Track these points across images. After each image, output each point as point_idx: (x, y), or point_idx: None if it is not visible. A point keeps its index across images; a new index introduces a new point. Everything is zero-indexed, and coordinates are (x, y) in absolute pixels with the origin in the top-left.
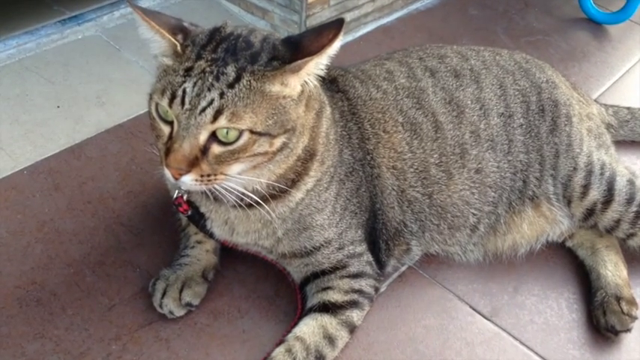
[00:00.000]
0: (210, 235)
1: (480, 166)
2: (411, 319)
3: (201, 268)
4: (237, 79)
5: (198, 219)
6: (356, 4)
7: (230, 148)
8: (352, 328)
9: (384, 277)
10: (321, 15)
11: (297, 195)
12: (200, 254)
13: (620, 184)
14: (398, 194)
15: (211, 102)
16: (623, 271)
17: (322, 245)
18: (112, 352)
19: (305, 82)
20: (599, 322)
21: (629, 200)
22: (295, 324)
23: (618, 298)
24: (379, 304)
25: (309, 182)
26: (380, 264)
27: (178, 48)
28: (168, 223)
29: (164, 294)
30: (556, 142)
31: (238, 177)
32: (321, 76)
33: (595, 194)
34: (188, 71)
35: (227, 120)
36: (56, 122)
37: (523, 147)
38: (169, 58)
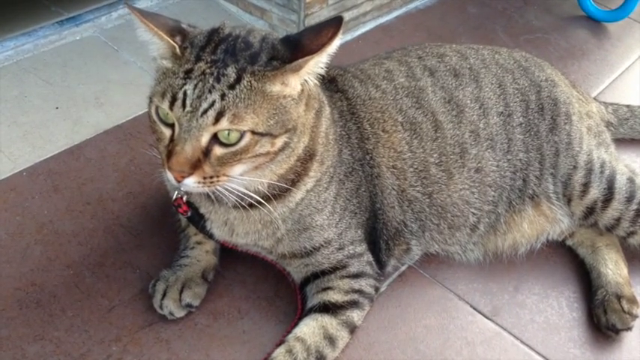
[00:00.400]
0: (210, 236)
1: (479, 165)
2: (412, 318)
3: (201, 268)
4: (238, 80)
5: (197, 220)
6: (354, 3)
7: (232, 149)
8: (353, 329)
9: (385, 277)
10: (320, 14)
11: (297, 195)
12: (200, 255)
13: (620, 182)
14: (398, 194)
15: (213, 104)
16: (624, 270)
17: (322, 245)
18: (112, 354)
19: (305, 81)
20: (600, 321)
21: (630, 198)
22: (295, 324)
23: (619, 297)
24: (379, 303)
25: (308, 182)
26: (380, 264)
27: (177, 50)
28: (167, 224)
29: (164, 295)
30: (556, 140)
31: (240, 178)
32: (320, 75)
33: (595, 192)
34: (188, 73)
35: (229, 121)
36: (55, 123)
37: (523, 146)
38: (168, 60)
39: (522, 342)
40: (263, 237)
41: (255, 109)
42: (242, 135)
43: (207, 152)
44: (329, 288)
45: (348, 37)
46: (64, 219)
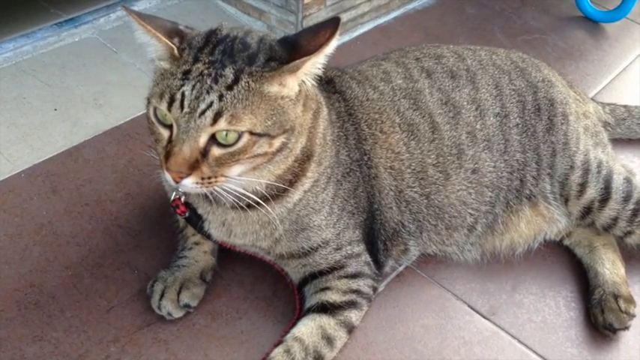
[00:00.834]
0: (208, 237)
1: (476, 166)
2: (409, 318)
3: (199, 269)
4: (236, 80)
5: (195, 220)
6: (352, 4)
7: (230, 150)
8: (351, 329)
9: (382, 277)
10: (318, 15)
11: (295, 196)
12: (198, 256)
13: (617, 182)
14: (395, 195)
15: (210, 104)
16: (621, 269)
17: (320, 246)
18: (110, 354)
19: (303, 81)
20: (597, 320)
21: (626, 198)
22: (293, 324)
23: (616, 296)
24: (377, 304)
25: (306, 183)
26: (378, 264)
27: (175, 51)
28: (165, 224)
29: (162, 295)
30: (553, 140)
31: (238, 178)
32: (318, 76)
33: (592, 192)
34: (186, 74)
35: (227, 122)
36: (53, 125)
37: (519, 146)
38: (166, 61)
39: (520, 341)
40: (261, 237)
41: (253, 109)
42: (240, 136)
43: (205, 153)
44: (327, 288)
45: (346, 38)
46: (62, 220)
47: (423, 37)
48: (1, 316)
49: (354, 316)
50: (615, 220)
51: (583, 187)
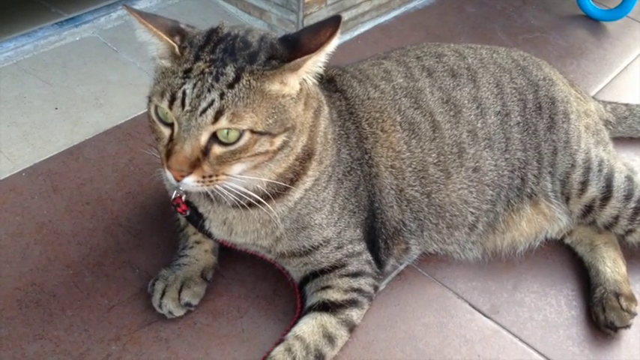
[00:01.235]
0: (209, 235)
1: (477, 164)
2: (411, 317)
3: (200, 268)
4: (237, 79)
5: (196, 219)
6: (353, 3)
7: (231, 148)
8: (352, 327)
9: (383, 276)
10: (319, 14)
11: (296, 194)
12: (199, 254)
13: (619, 180)
14: (396, 193)
15: (212, 103)
16: (622, 268)
17: (321, 244)
18: (111, 353)
19: (304, 80)
20: (599, 319)
21: (628, 196)
22: (295, 323)
23: (617, 295)
24: (378, 302)
25: (307, 182)
26: (379, 263)
27: (176, 50)
28: (166, 223)
29: (163, 294)
30: (554, 139)
31: (239, 177)
32: (319, 74)
33: (593, 191)
34: (187, 73)
35: (228, 120)
36: (54, 124)
37: (520, 145)
38: (167, 60)
39: (521, 340)
40: (262, 236)
41: (254, 108)
42: (241, 134)
43: (206, 151)
44: (328, 287)
45: (347, 37)
46: (63, 219)
47: (424, 36)
48: (2, 315)
49: (355, 314)
50: (616, 218)
51: (584, 185)
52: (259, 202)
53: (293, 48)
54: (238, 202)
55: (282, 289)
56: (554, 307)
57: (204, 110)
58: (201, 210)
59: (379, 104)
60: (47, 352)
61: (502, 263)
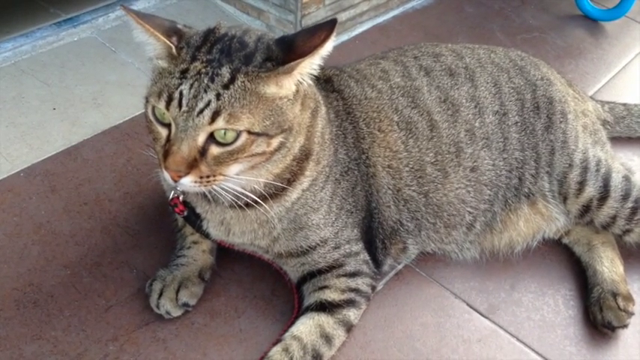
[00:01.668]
0: (207, 236)
1: (475, 164)
2: (408, 317)
3: (198, 268)
4: (232, 80)
5: (194, 219)
6: (351, 3)
7: (228, 148)
8: (349, 327)
9: (381, 276)
10: (317, 14)
11: (293, 194)
12: (196, 254)
13: (616, 180)
14: (394, 193)
15: (208, 103)
16: (620, 268)
17: (318, 244)
18: (109, 353)
19: (299, 81)
20: (596, 319)
21: (625, 196)
22: (292, 323)
23: (615, 295)
24: (376, 302)
25: (304, 182)
26: (377, 263)
27: (173, 50)
28: (164, 223)
29: (161, 294)
30: (551, 139)
31: (237, 177)
32: (315, 76)
33: (591, 191)
34: (184, 73)
35: (225, 121)
36: (52, 124)
37: (518, 144)
38: (164, 60)
39: (518, 340)
40: (259, 236)
41: (251, 109)
42: (238, 135)
43: (203, 152)
44: (325, 287)
45: (345, 36)
46: (61, 219)
47: (422, 36)
48: (0, 316)
49: (352, 314)
50: (614, 218)
51: (582, 185)
52: (256, 202)
53: (288, 50)
54: (236, 202)
55: (280, 289)
56: (552, 307)
57: (201, 111)
58: (198, 210)
59: (376, 104)
60: (45, 352)
61: (500, 263)
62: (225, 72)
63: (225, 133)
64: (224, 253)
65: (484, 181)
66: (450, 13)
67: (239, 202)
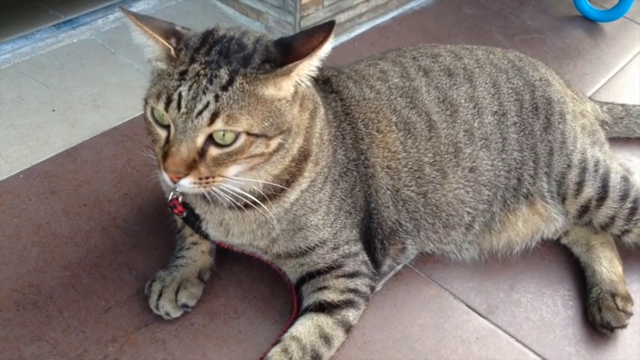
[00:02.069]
0: (206, 237)
1: (474, 164)
2: (407, 317)
3: (197, 269)
4: (230, 81)
5: (193, 220)
6: (350, 5)
7: (227, 150)
8: (348, 328)
9: (380, 277)
10: (316, 16)
11: (292, 195)
12: (196, 255)
13: (615, 180)
14: (392, 194)
15: (207, 105)
16: (618, 268)
17: (317, 245)
18: (108, 354)
19: (298, 83)
20: (595, 319)
21: (624, 197)
22: (291, 324)
23: (613, 295)
24: (375, 303)
25: (303, 183)
26: (375, 263)
27: (172, 52)
28: (163, 225)
29: (160, 295)
30: (550, 139)
31: (236, 178)
32: (313, 77)
33: (589, 191)
34: (183, 75)
35: (223, 122)
36: (52, 126)
37: (517, 145)
38: (163, 62)
39: (517, 340)
40: (258, 237)
41: (249, 110)
42: (237, 136)
43: (202, 153)
44: (324, 287)
45: (344, 38)
46: (60, 221)
47: (421, 37)
48: None
49: (351, 315)
50: (613, 218)
51: (580, 185)
52: (255, 203)
53: (286, 52)
54: (235, 203)
55: (279, 290)
56: (551, 308)
57: (200, 112)
58: (197, 211)
59: (375, 105)
60: (44, 353)
61: (498, 263)
62: (224, 74)
63: (224, 135)
64: (223, 254)
65: (483, 182)
66: (448, 14)
67: (238, 203)
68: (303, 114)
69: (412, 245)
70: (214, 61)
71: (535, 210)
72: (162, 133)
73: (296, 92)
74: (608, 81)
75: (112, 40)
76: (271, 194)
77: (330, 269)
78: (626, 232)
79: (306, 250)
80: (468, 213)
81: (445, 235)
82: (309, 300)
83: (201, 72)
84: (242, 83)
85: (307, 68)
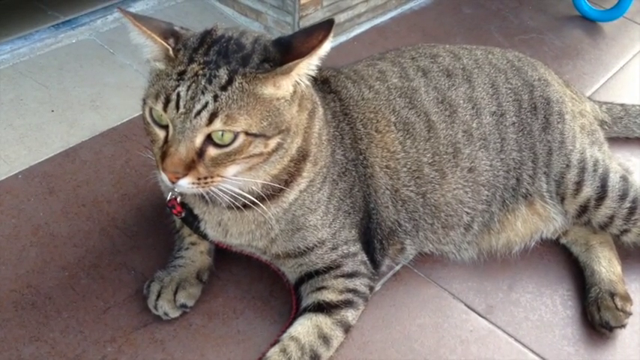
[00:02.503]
0: (204, 237)
1: (472, 164)
2: (406, 317)
3: (196, 269)
4: (229, 81)
5: (192, 221)
6: (349, 5)
7: (226, 150)
8: (347, 328)
9: (379, 277)
10: (315, 16)
11: (291, 195)
12: (194, 256)
13: (614, 180)
14: (391, 194)
15: (206, 105)
16: (617, 268)
17: (316, 245)
18: (107, 355)
19: (297, 82)
20: (594, 319)
21: (623, 196)
22: (290, 324)
23: (612, 295)
24: (374, 303)
25: (302, 183)
26: (374, 263)
27: (170, 52)
28: (162, 225)
29: (159, 296)
30: (549, 139)
31: (234, 178)
32: (312, 76)
33: (588, 191)
34: (181, 75)
35: (222, 122)
36: (51, 126)
37: (516, 145)
38: (162, 62)
39: (516, 340)
40: (257, 237)
41: (248, 110)
42: (236, 136)
43: (201, 153)
44: (323, 287)
45: (343, 38)
46: (59, 221)
47: (420, 37)
48: None
49: (350, 315)
50: (612, 218)
51: (579, 185)
52: (254, 203)
53: (286, 51)
54: (233, 203)
55: (278, 290)
56: (550, 307)
57: (199, 112)
58: (196, 211)
59: (373, 105)
60: (43, 354)
61: (497, 263)
62: (223, 73)
63: (222, 135)
64: (222, 255)
65: (482, 182)
66: (447, 14)
67: (237, 203)
68: (301, 114)
69: (411, 245)
70: (213, 61)
71: (534, 210)
72: (161, 134)
73: (295, 92)
74: (607, 81)
75: (111, 40)
76: (270, 194)
77: (328, 269)
78: (625, 231)
79: (304, 251)
80: (467, 213)
81: (444, 236)
82: (307, 300)
83: (200, 72)
84: (241, 83)
85: (307, 67)
